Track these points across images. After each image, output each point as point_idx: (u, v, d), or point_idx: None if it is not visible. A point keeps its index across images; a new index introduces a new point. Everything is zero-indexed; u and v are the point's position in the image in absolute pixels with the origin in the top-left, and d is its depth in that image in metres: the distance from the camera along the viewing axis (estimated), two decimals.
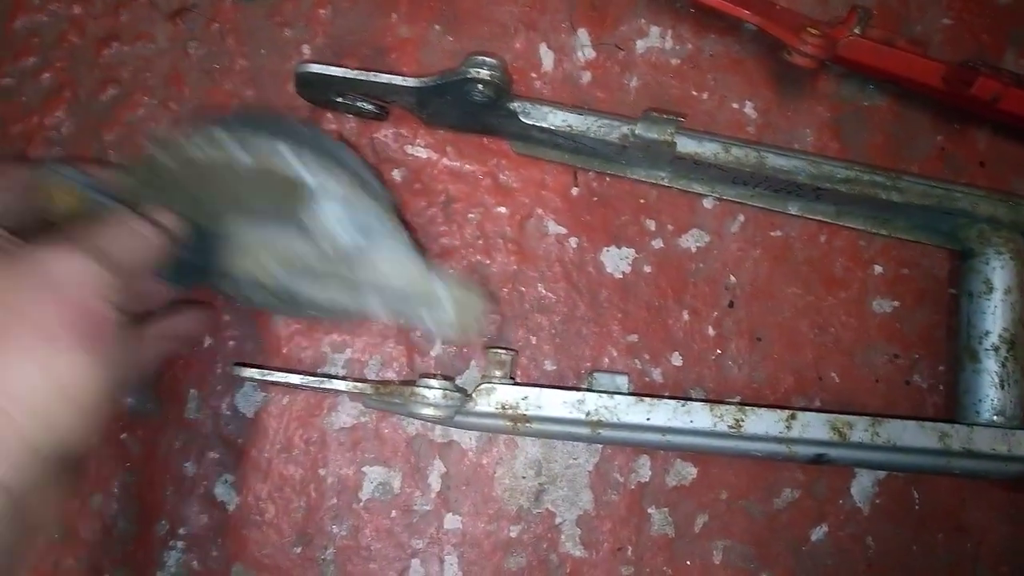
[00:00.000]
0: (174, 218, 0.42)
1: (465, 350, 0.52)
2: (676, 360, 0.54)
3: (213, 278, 0.47)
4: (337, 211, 0.42)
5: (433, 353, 0.52)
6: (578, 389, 0.48)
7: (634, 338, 0.54)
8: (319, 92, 0.51)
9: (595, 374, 0.49)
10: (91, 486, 0.51)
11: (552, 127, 0.49)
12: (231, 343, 0.52)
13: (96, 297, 0.34)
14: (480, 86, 0.46)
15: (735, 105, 0.56)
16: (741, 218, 0.55)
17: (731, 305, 0.55)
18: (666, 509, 0.53)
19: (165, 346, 0.47)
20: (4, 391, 0.31)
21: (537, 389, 0.47)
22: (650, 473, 0.53)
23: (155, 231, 0.40)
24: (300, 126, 0.44)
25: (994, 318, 0.50)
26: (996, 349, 0.50)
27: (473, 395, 0.47)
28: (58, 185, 0.41)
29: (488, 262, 0.54)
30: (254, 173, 0.41)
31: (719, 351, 0.54)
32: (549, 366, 0.53)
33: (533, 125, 0.49)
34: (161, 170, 0.42)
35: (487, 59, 0.46)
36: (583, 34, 0.56)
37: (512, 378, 0.49)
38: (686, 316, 0.54)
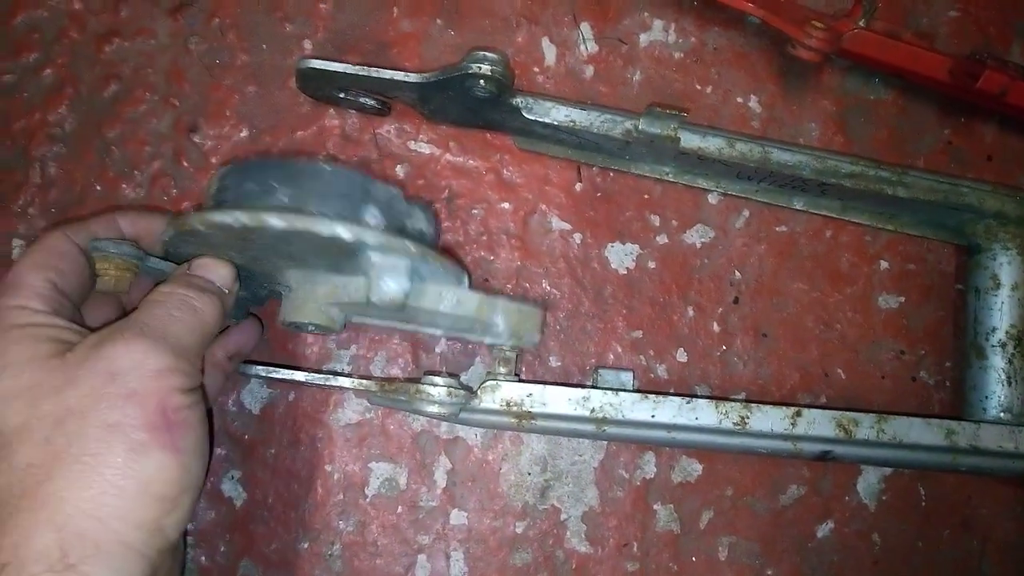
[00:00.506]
0: (228, 271, 0.41)
1: (470, 347, 0.52)
2: (681, 356, 0.54)
3: (263, 303, 0.47)
4: (379, 260, 0.40)
5: (438, 350, 0.52)
6: (583, 386, 0.48)
7: (639, 334, 0.54)
8: (320, 88, 0.51)
9: (600, 371, 0.49)
10: None
11: (555, 122, 0.49)
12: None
13: (170, 391, 0.35)
14: (482, 81, 0.46)
15: (739, 99, 0.56)
16: (746, 213, 0.55)
17: (736, 301, 0.54)
18: (672, 505, 0.53)
19: (229, 367, 0.47)
20: (101, 503, 0.32)
21: (542, 386, 0.47)
22: (655, 469, 0.53)
23: (212, 299, 0.39)
24: (322, 168, 0.41)
25: (1001, 314, 0.50)
26: (1003, 345, 0.50)
27: (478, 392, 0.46)
28: (103, 261, 0.40)
29: (492, 258, 0.53)
30: (292, 235, 0.38)
31: (724, 347, 0.54)
32: (554, 362, 0.53)
33: (536, 121, 0.49)
34: (203, 236, 0.40)
35: (488, 54, 0.45)
36: (586, 28, 0.55)
37: (517, 375, 0.49)
38: (691, 312, 0.54)
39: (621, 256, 0.54)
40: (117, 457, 0.33)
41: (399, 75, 0.48)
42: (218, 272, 0.41)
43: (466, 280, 0.44)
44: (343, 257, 0.40)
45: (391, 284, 0.41)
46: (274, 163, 0.41)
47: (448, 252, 0.53)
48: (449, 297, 0.43)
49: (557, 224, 0.54)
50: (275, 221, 0.37)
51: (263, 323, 0.50)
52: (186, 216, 0.39)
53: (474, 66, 0.45)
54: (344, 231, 0.38)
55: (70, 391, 0.33)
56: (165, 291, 0.39)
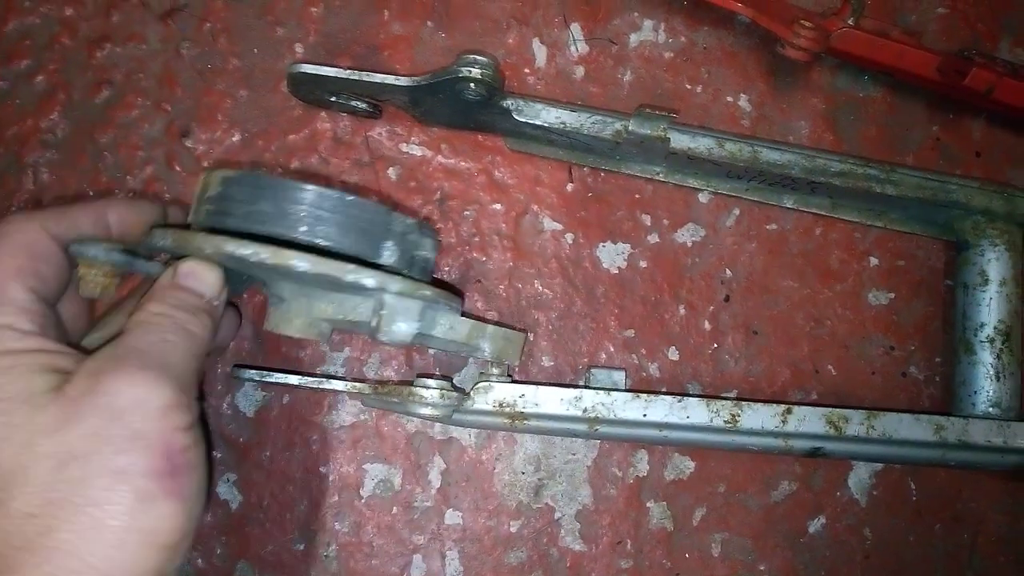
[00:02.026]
0: (216, 278, 0.39)
1: None
2: (673, 354, 0.54)
3: (242, 292, 0.46)
4: (393, 303, 0.40)
5: (431, 352, 0.53)
6: (575, 386, 0.48)
7: (631, 333, 0.54)
8: (312, 92, 0.51)
9: (592, 370, 0.50)
10: None
11: (545, 124, 0.49)
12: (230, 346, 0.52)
13: (174, 431, 0.33)
14: (472, 85, 0.46)
15: (729, 98, 0.56)
16: (736, 212, 0.55)
17: (727, 299, 0.55)
18: (664, 503, 0.53)
19: (204, 363, 0.46)
20: (105, 556, 0.31)
21: (534, 387, 0.47)
22: (648, 467, 0.53)
23: (204, 318, 0.37)
24: (344, 198, 0.38)
25: (989, 310, 0.51)
26: (991, 341, 0.50)
27: (471, 394, 0.47)
28: (88, 267, 0.38)
29: (484, 259, 0.54)
30: (312, 276, 0.37)
31: (715, 345, 0.54)
32: (547, 362, 0.53)
33: (526, 122, 0.49)
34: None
35: (479, 57, 0.46)
36: (576, 29, 0.55)
37: (510, 376, 0.49)
38: (682, 310, 0.54)
39: (613, 255, 0.54)
40: (123, 507, 0.31)
41: (390, 79, 0.48)
42: (206, 281, 0.38)
43: (459, 305, 0.44)
44: (354, 290, 0.40)
45: (402, 327, 0.41)
46: (292, 186, 0.38)
47: (440, 253, 0.53)
48: (443, 323, 0.44)
49: (549, 224, 0.54)
50: (301, 264, 0.36)
51: (240, 313, 0.49)
52: (196, 238, 0.37)
53: (464, 69, 0.46)
54: (369, 280, 0.38)
55: (71, 431, 0.32)
56: (156, 311, 0.36)
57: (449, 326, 0.44)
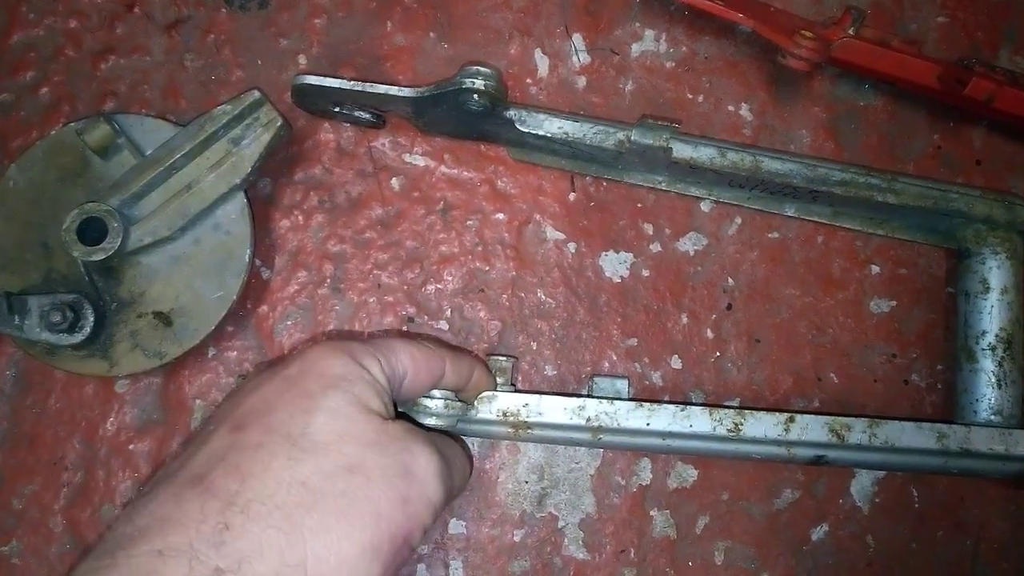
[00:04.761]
0: None
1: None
2: (675, 363, 0.54)
3: None
4: None
5: None
6: (578, 395, 0.48)
7: (633, 342, 0.54)
8: (316, 102, 0.51)
9: (595, 379, 0.50)
10: (101, 496, 0.51)
11: (548, 134, 0.50)
12: (233, 353, 0.52)
13: (429, 516, 0.37)
14: (475, 96, 0.46)
15: (731, 107, 0.56)
16: (738, 220, 0.56)
17: (729, 307, 0.55)
18: (668, 511, 0.53)
19: None
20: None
21: (538, 396, 0.48)
22: (651, 476, 0.53)
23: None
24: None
25: (991, 318, 0.51)
26: (993, 349, 0.50)
27: (475, 403, 0.47)
28: None
29: (487, 269, 0.54)
30: None
31: (718, 353, 0.54)
32: (550, 371, 0.53)
33: (529, 133, 0.50)
34: None
35: (481, 69, 0.46)
36: (578, 39, 0.56)
37: (513, 384, 0.49)
38: (685, 319, 0.55)
39: (615, 265, 0.55)
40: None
41: (394, 90, 0.48)
42: None
43: None
44: None
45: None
46: None
47: (443, 263, 0.53)
48: None
49: (551, 234, 0.54)
50: None
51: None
52: None
53: (467, 81, 0.46)
54: None
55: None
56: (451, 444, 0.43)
57: None
